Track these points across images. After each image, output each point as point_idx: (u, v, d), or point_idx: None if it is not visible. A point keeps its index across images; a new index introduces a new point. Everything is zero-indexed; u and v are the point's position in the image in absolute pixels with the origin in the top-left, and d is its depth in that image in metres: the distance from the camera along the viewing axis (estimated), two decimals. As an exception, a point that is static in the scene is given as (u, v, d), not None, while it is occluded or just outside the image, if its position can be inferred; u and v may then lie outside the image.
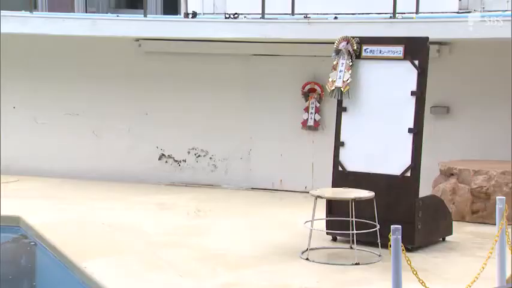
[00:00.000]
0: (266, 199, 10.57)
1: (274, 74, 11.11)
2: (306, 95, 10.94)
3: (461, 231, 8.48)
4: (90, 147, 11.81)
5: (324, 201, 7.89)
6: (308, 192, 7.93)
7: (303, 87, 10.95)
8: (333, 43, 8.15)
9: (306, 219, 7.65)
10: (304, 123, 10.97)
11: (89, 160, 11.78)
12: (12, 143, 11.87)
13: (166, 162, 11.65)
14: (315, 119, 10.88)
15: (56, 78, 11.88)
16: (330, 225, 8.05)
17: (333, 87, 7.99)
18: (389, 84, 7.86)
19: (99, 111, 11.77)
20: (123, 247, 7.79)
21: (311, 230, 7.46)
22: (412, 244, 7.54)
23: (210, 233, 8.64)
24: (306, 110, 10.95)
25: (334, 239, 8.10)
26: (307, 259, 7.35)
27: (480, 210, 8.97)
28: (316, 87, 10.87)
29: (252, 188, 11.20)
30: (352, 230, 7.50)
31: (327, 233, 8.10)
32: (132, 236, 8.25)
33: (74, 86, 11.83)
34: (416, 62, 7.69)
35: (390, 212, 7.63)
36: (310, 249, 7.43)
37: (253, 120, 11.26)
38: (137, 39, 11.30)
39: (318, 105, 10.87)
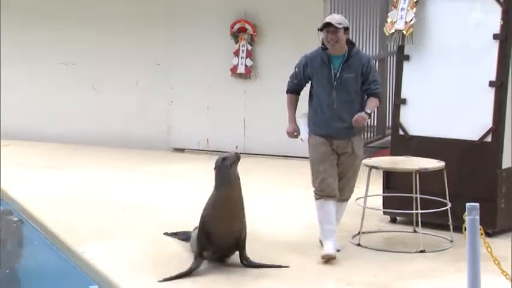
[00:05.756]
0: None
1: (199, 11, 11.18)
2: (236, 36, 10.96)
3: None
4: (89, 105, 11.84)
5: (381, 173, 7.83)
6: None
7: (232, 27, 10.99)
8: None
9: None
10: (234, 69, 11.01)
11: (87, 121, 11.86)
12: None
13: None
14: (246, 65, 10.96)
15: (51, 20, 11.96)
16: (387, 202, 8.02)
17: (393, 30, 7.97)
18: (464, 26, 7.80)
19: (99, 60, 11.81)
20: (127, 228, 7.90)
21: (364, 208, 7.44)
22: (493, 227, 7.51)
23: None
24: (236, 53, 10.95)
25: (393, 220, 8.11)
26: (359, 245, 7.39)
27: None
28: (248, 26, 10.92)
29: (174, 149, 11.38)
30: (416, 209, 7.46)
31: (384, 213, 8.12)
32: (139, 215, 8.28)
33: (70, 29, 11.89)
34: (501, -3, 7.47)
35: (465, 187, 7.63)
36: (362, 232, 7.44)
37: (174, 66, 11.37)
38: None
39: (249, 48, 10.93)
